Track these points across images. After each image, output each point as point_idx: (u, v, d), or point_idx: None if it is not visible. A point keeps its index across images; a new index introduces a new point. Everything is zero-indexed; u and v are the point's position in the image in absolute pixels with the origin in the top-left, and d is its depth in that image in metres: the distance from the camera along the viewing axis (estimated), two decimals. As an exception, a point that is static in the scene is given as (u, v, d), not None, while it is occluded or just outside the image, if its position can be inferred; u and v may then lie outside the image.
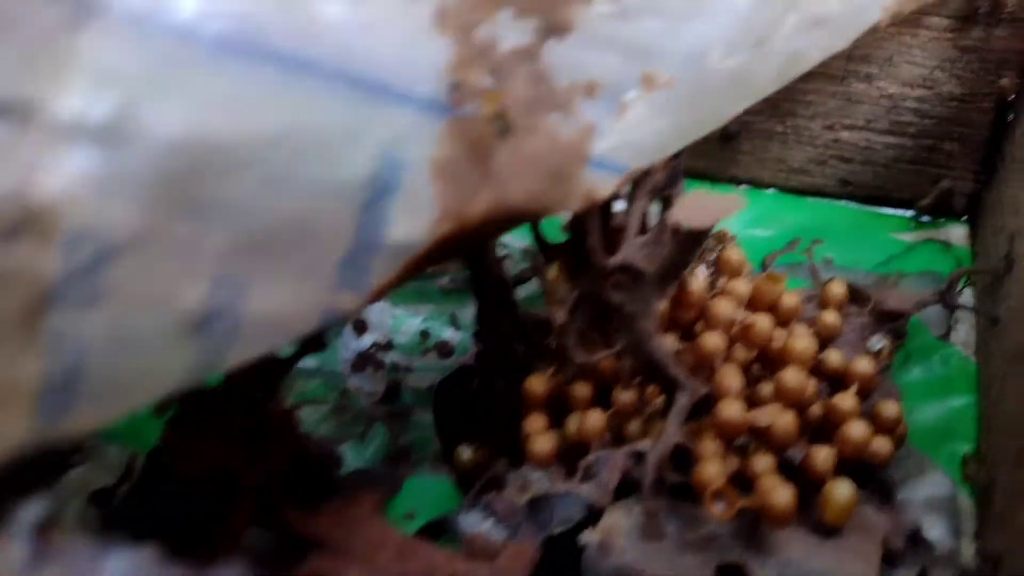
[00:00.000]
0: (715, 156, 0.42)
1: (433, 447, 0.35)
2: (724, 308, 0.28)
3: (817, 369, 0.30)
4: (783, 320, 0.30)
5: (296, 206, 0.18)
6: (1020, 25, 0.35)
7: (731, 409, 0.26)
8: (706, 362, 0.27)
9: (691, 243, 0.24)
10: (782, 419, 0.26)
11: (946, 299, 0.33)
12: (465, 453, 0.33)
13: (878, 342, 0.32)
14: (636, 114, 0.23)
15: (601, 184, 0.23)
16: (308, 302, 0.19)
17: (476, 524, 0.28)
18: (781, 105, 0.40)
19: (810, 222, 0.41)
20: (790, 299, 0.30)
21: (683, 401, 0.26)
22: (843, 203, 0.42)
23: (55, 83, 0.15)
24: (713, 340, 0.27)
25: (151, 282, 0.16)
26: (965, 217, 0.40)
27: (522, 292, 0.40)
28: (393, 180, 0.19)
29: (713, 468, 0.25)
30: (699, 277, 0.30)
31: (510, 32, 0.20)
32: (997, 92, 0.37)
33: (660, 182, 0.27)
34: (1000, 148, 0.37)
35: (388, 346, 0.38)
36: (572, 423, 0.29)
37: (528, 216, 0.21)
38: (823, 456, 0.26)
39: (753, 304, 0.30)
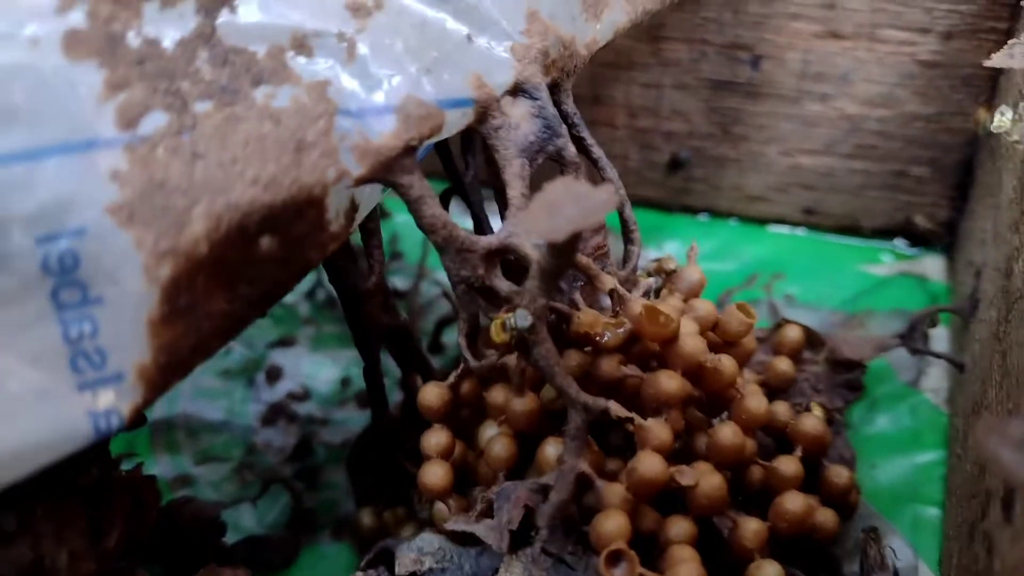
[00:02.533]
0: (665, 185, 0.39)
1: (342, 509, 0.31)
2: (694, 348, 0.24)
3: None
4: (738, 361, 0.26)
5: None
6: (982, 37, 0.31)
7: (651, 463, 0.22)
8: (661, 404, 0.23)
9: (561, 253, 0.20)
10: (709, 481, 0.23)
11: (909, 344, 0.30)
12: (365, 518, 0.29)
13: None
14: (373, 42, 0.20)
15: (373, 131, 0.20)
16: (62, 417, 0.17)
17: (357, 604, 0.25)
18: (732, 130, 0.36)
19: (772, 254, 0.38)
20: (749, 341, 0.26)
21: (577, 421, 0.22)
22: (808, 233, 0.38)
23: None
24: (672, 384, 0.23)
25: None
26: (943, 247, 0.37)
27: (449, 337, 0.37)
28: (71, 254, 0.16)
29: (614, 522, 0.22)
30: (670, 307, 0.25)
31: (167, 27, 0.18)
32: (973, 119, 0.33)
33: (531, 137, 0.24)
34: (972, 172, 0.34)
35: (304, 396, 0.35)
36: (484, 434, 0.25)
37: (287, 206, 0.19)
38: (753, 529, 0.23)
39: (715, 334, 0.26)
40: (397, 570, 0.25)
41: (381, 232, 0.26)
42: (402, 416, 0.31)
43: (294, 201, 0.19)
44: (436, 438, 0.25)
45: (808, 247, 0.38)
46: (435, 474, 0.24)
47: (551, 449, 0.25)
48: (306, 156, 0.19)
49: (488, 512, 0.24)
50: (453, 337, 0.37)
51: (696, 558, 0.21)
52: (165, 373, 0.18)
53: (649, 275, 0.28)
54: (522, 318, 0.22)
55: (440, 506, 0.26)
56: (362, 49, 0.20)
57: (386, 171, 0.20)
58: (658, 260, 0.28)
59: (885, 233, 0.37)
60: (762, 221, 0.39)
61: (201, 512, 0.28)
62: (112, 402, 0.17)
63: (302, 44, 0.19)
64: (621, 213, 0.27)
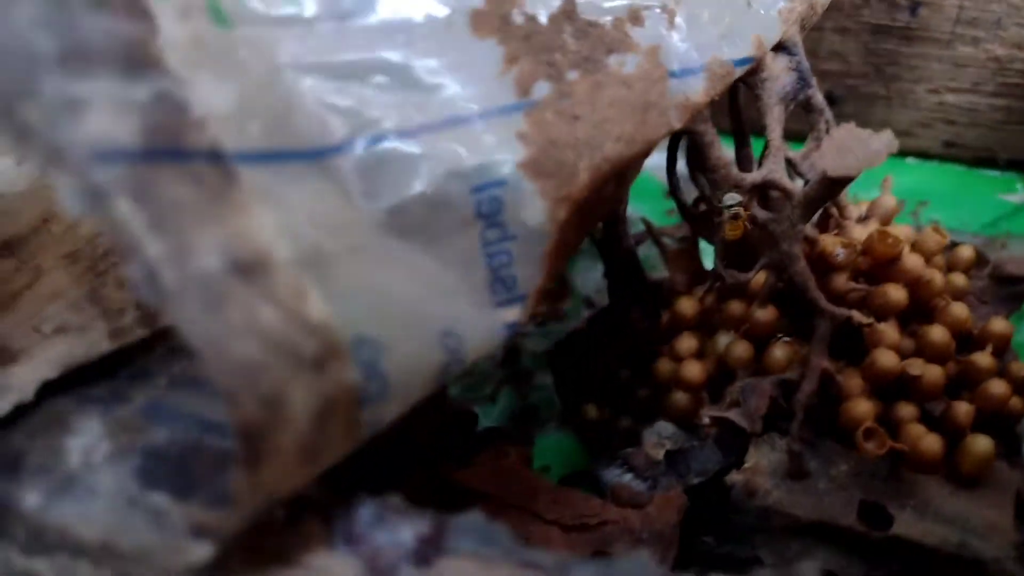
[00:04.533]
0: (817, 121, 0.43)
1: (556, 407, 0.36)
2: (915, 264, 0.28)
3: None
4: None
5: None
6: None
7: (886, 358, 0.27)
8: (887, 312, 0.28)
9: (835, 187, 0.25)
10: (931, 372, 0.27)
11: (1064, 258, 0.34)
12: (591, 411, 0.34)
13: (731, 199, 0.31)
14: (686, 12, 0.24)
15: (691, 89, 0.24)
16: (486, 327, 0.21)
17: (617, 477, 0.29)
18: (885, 70, 0.40)
19: (916, 184, 0.42)
20: (940, 259, 0.31)
21: (823, 328, 0.27)
22: (946, 165, 0.42)
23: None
24: (899, 295, 0.28)
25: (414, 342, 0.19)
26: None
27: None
28: (496, 200, 0.20)
29: (863, 407, 0.26)
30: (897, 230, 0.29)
31: (539, 4, 0.22)
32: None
33: (788, 87, 0.28)
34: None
35: (505, 311, 0.39)
36: (720, 342, 0.30)
37: (635, 158, 0.23)
38: (964, 410, 0.27)
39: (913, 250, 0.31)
40: (646, 448, 0.30)
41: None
42: (606, 324, 0.35)
43: (640, 153, 0.23)
44: (688, 342, 0.30)
45: (949, 177, 0.42)
46: (694, 371, 0.29)
47: (779, 352, 0.29)
48: (650, 115, 0.23)
49: (735, 403, 0.29)
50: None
51: (931, 432, 0.26)
52: (542, 294, 0.22)
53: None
54: (731, 199, 0.27)
55: (678, 396, 0.31)
56: (679, 18, 0.24)
57: (693, 121, 0.25)
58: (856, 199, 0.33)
59: (1020, 164, 0.41)
60: (904, 154, 0.43)
61: (459, 406, 0.33)
62: (517, 316, 0.21)
63: (636, 16, 0.23)
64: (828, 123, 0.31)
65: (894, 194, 0.42)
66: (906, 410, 0.27)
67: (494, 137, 0.20)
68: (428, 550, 0.17)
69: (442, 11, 0.21)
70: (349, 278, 0.18)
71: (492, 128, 0.20)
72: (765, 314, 0.29)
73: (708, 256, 0.31)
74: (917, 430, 0.26)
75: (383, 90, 0.20)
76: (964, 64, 0.39)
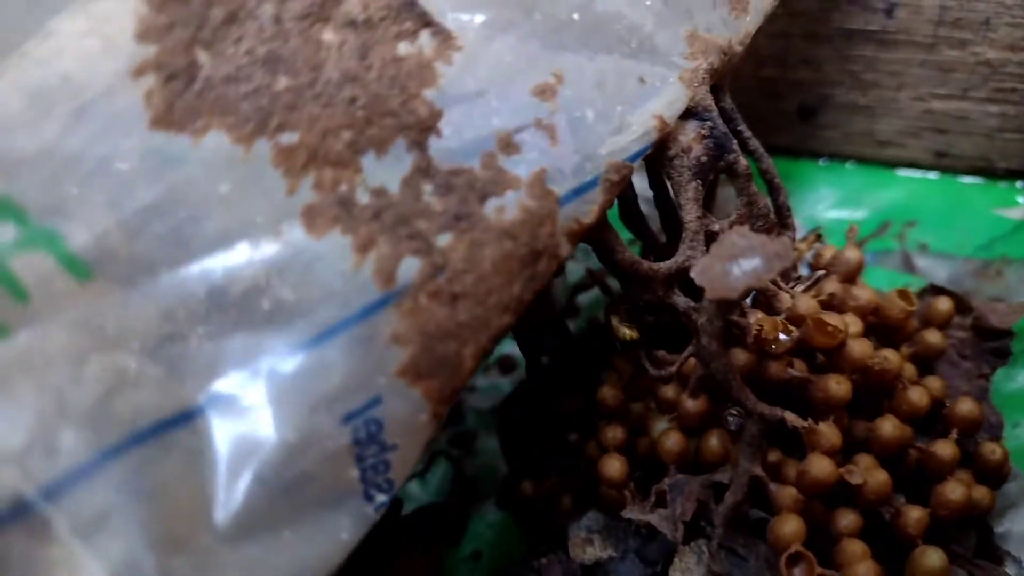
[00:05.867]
0: (792, 132, 0.38)
1: (500, 474, 0.34)
2: (862, 352, 0.25)
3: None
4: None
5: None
6: None
7: (821, 466, 0.24)
8: (827, 407, 0.25)
9: (721, 307, 0.21)
10: (875, 478, 0.24)
11: (1056, 305, 0.30)
12: (527, 488, 0.32)
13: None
14: (567, 119, 0.20)
15: (583, 211, 0.21)
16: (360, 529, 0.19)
17: (535, 588, 0.27)
18: (862, 77, 0.36)
19: (905, 199, 0.38)
20: (908, 324, 0.27)
21: (752, 430, 0.24)
22: (939, 176, 0.38)
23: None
24: (841, 388, 0.24)
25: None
26: (1082, 186, 0.36)
27: (585, 297, 0.38)
28: (374, 422, 0.18)
29: (791, 526, 0.23)
30: (837, 318, 0.26)
31: (386, 172, 0.18)
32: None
33: (703, 158, 0.24)
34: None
35: (450, 364, 0.37)
36: (656, 428, 0.27)
37: (521, 311, 0.20)
38: (916, 518, 0.24)
39: (874, 318, 0.27)
40: (571, 551, 0.27)
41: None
42: (547, 382, 0.32)
43: (526, 308, 0.20)
44: (612, 433, 0.27)
45: (940, 190, 0.38)
46: (613, 467, 0.26)
47: (715, 440, 0.26)
48: (539, 264, 0.20)
49: (661, 503, 0.26)
50: (584, 300, 0.38)
51: (868, 553, 0.23)
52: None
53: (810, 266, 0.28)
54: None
55: (604, 489, 0.28)
56: (561, 129, 0.20)
57: (586, 238, 0.21)
58: (816, 251, 0.29)
59: (1020, 175, 0.37)
60: (892, 165, 0.38)
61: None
62: (386, 503, 0.19)
63: (508, 143, 0.20)
64: (777, 199, 0.27)
65: (880, 212, 0.38)
66: (847, 520, 0.24)
67: (362, 348, 0.17)
68: None
69: (267, 225, 0.17)
70: None
71: (358, 338, 0.17)
72: (696, 405, 0.26)
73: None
74: (853, 550, 0.23)
75: (220, 334, 0.17)
76: (951, 69, 0.34)
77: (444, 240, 0.19)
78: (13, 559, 0.13)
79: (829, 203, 0.38)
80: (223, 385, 0.16)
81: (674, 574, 0.25)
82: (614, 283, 0.32)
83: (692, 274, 0.21)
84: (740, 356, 0.25)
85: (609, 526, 0.28)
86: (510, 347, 0.37)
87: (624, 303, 0.26)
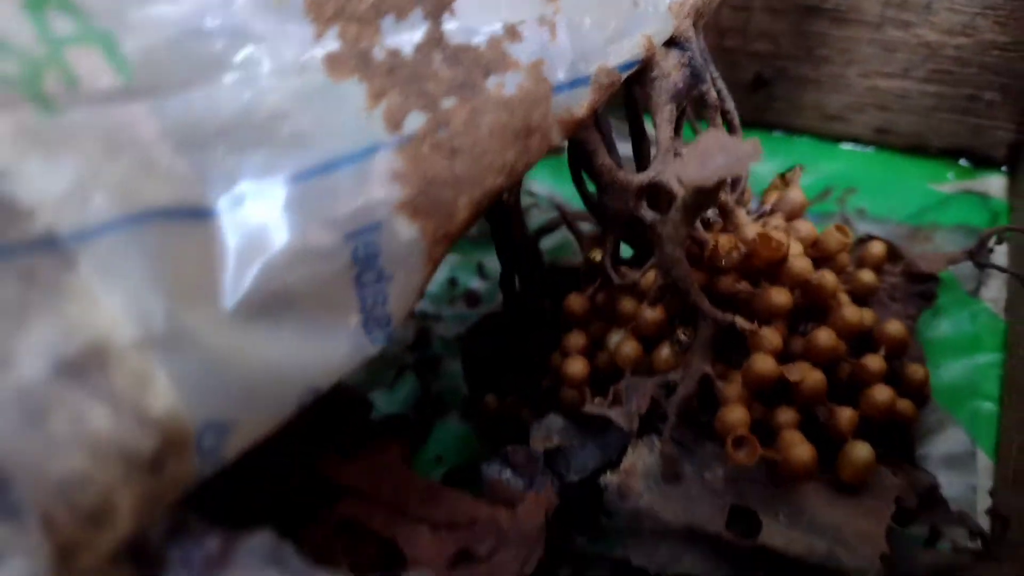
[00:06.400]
0: (747, 102, 0.41)
1: (462, 395, 0.36)
2: (802, 267, 0.28)
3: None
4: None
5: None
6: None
7: (763, 363, 0.26)
8: (770, 315, 0.27)
9: (700, 195, 0.24)
10: (812, 377, 0.27)
11: (976, 258, 0.33)
12: (491, 402, 0.34)
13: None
14: (567, 21, 0.23)
15: (576, 103, 0.23)
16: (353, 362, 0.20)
17: (496, 473, 0.29)
18: (815, 52, 0.39)
19: (845, 170, 0.41)
20: (843, 257, 0.30)
21: (706, 332, 0.26)
22: (878, 151, 0.41)
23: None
24: (781, 298, 0.27)
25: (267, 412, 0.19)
26: (1005, 168, 0.40)
27: (548, 241, 0.40)
28: (372, 245, 0.19)
29: (737, 414, 0.26)
30: (780, 233, 0.29)
31: (402, 36, 0.20)
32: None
33: (680, 84, 0.26)
34: (1043, 99, 0.37)
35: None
36: (612, 339, 0.29)
37: (517, 183, 0.22)
38: (847, 417, 0.27)
39: (814, 251, 0.30)
40: (532, 443, 0.29)
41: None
42: (515, 311, 0.34)
43: (519, 178, 0.22)
44: (576, 339, 0.29)
45: (879, 164, 0.41)
46: (576, 366, 0.28)
47: (667, 351, 0.29)
48: (532, 140, 0.21)
49: (618, 401, 0.28)
50: (547, 244, 0.40)
51: (804, 440, 0.25)
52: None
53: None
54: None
55: (566, 390, 0.30)
56: (560, 28, 0.22)
57: (575, 133, 0.24)
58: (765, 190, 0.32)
59: (952, 153, 0.40)
60: (836, 139, 0.42)
61: (350, 393, 0.32)
62: (384, 341, 0.20)
63: (513, 32, 0.22)
64: (728, 117, 0.30)
65: (825, 179, 0.41)
66: (786, 415, 0.27)
67: (368, 179, 0.19)
68: (214, 568, 0.16)
69: (294, 63, 0.19)
70: (204, 354, 0.17)
71: (365, 170, 0.19)
72: (653, 314, 0.28)
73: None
74: (791, 437, 0.25)
75: (242, 147, 0.18)
76: (894, 49, 0.38)
77: (448, 103, 0.21)
78: (40, 279, 0.15)
79: (778, 170, 0.41)
80: (240, 192, 0.18)
81: (628, 460, 0.27)
82: (583, 228, 0.34)
83: (673, 169, 0.23)
84: (695, 275, 0.28)
85: (567, 427, 0.30)
86: (476, 282, 0.39)
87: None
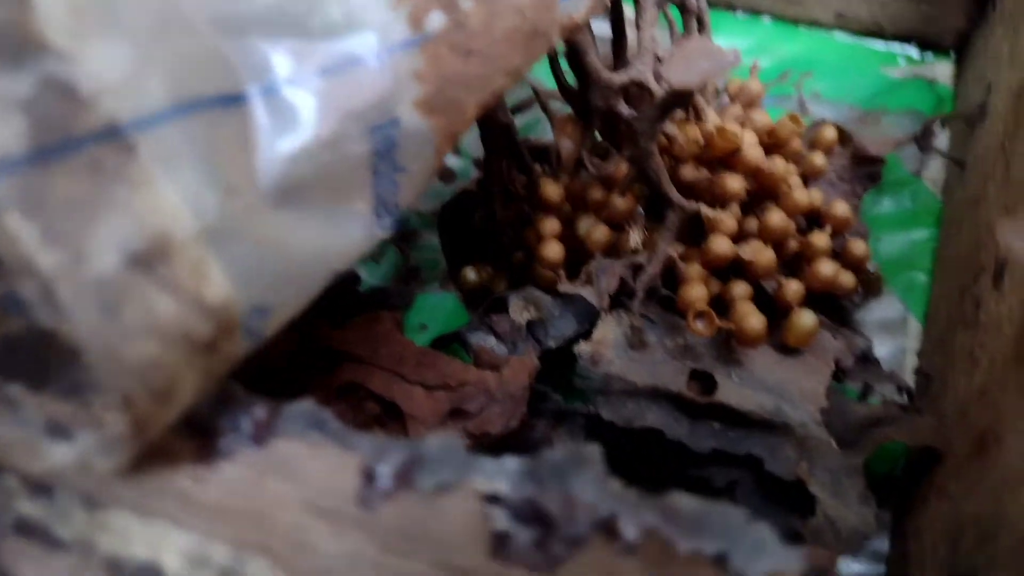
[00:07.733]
0: (715, -16, 0.43)
1: (440, 267, 0.38)
2: (754, 156, 0.30)
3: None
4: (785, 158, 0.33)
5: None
6: None
7: (720, 243, 0.29)
8: (725, 200, 0.30)
9: (680, 96, 0.26)
10: (763, 255, 0.29)
11: (920, 143, 0.36)
12: (470, 274, 0.36)
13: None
14: None
15: (576, 9, 0.24)
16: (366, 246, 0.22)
17: (481, 340, 0.32)
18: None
19: (804, 53, 0.43)
20: (796, 144, 0.33)
21: (673, 218, 0.29)
22: (836, 35, 0.43)
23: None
24: (735, 184, 0.29)
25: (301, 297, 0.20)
26: (953, 54, 0.42)
27: (520, 120, 0.42)
28: (390, 139, 0.21)
29: (697, 291, 0.29)
30: (735, 125, 0.31)
31: None
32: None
33: None
34: (994, -9, 0.38)
35: (396, 170, 0.40)
36: (582, 225, 0.32)
37: (517, 80, 0.23)
38: (793, 288, 0.30)
39: (768, 139, 0.32)
40: (511, 313, 0.32)
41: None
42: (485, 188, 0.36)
43: (519, 80, 0.23)
44: (551, 224, 0.31)
45: (835, 48, 0.43)
46: (552, 249, 0.31)
47: (632, 236, 0.31)
48: (537, 43, 0.23)
49: (589, 281, 0.31)
50: (519, 121, 0.42)
51: (756, 311, 0.29)
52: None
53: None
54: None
55: (541, 270, 0.32)
56: None
57: (571, 35, 0.25)
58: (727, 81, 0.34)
59: (904, 38, 0.42)
60: (797, 22, 0.43)
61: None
62: (392, 226, 0.22)
63: None
64: (701, 21, 0.32)
65: (784, 62, 0.43)
66: (739, 288, 0.30)
67: (391, 76, 0.20)
68: (263, 433, 0.18)
69: None
70: (249, 243, 0.18)
71: (389, 66, 0.20)
72: (623, 202, 0.31)
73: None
74: (744, 308, 0.29)
75: (278, 35, 0.19)
76: (858, -65, 0.39)
77: (467, 5, 0.22)
78: (107, 171, 0.15)
79: (741, 51, 0.43)
80: (272, 80, 0.19)
81: (599, 332, 0.30)
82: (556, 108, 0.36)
83: (660, 69, 0.25)
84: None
85: (542, 299, 0.33)
86: (450, 158, 0.41)
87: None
